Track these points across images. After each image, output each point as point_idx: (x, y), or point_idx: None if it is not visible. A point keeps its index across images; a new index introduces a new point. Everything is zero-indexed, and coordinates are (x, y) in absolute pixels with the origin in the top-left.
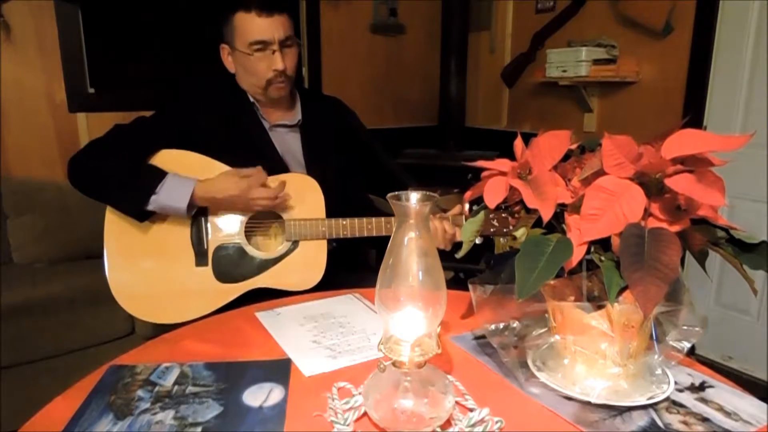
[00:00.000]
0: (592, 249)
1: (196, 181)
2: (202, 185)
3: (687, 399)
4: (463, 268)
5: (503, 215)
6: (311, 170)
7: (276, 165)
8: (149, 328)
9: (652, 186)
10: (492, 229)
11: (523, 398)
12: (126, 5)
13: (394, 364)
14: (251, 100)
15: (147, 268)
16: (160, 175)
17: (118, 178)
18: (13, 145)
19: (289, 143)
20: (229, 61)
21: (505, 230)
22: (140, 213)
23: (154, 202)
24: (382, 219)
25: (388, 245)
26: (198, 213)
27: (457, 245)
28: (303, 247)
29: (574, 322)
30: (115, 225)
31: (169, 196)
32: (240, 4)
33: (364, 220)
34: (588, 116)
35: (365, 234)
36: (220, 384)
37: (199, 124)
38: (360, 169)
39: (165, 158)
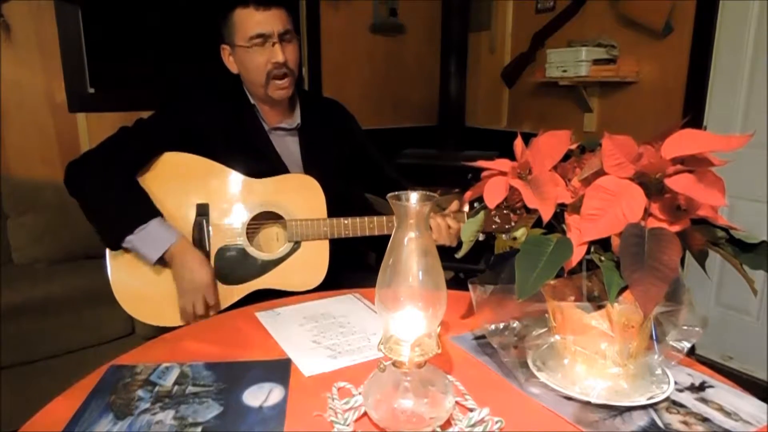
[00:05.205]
0: (592, 249)
1: (178, 238)
2: (179, 250)
3: (687, 399)
4: (463, 268)
5: (504, 211)
6: (309, 174)
7: (276, 167)
8: (149, 328)
9: (652, 186)
10: (494, 226)
11: (523, 398)
12: (126, 5)
13: (394, 364)
14: (252, 102)
15: (150, 272)
16: (145, 216)
17: (106, 206)
18: (13, 145)
19: (288, 146)
20: (230, 62)
21: (507, 226)
22: (116, 246)
23: (129, 242)
24: (384, 218)
25: (388, 245)
26: (199, 215)
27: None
28: (305, 248)
29: (574, 322)
30: None
31: (143, 242)
32: (237, 1)
33: (366, 219)
34: (588, 116)
35: (367, 233)
36: (220, 384)
37: (200, 126)
38: (358, 173)
39: (167, 161)
